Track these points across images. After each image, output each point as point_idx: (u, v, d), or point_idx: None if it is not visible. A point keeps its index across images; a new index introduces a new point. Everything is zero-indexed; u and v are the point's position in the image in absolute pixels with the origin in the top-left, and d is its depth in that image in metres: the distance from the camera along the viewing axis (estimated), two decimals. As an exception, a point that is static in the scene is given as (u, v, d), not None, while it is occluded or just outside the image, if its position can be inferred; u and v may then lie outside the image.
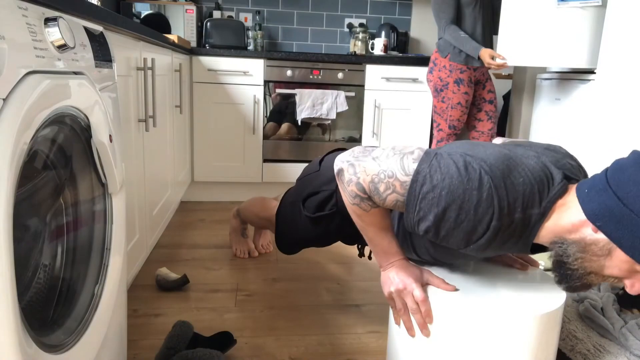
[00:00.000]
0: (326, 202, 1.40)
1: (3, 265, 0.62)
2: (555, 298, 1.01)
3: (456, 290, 1.01)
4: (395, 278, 1.04)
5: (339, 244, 2.25)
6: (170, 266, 1.91)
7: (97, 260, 1.01)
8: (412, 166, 0.94)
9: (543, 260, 1.95)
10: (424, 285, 1.03)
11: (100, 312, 0.97)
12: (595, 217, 0.83)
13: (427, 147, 2.97)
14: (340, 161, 1.04)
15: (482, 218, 0.88)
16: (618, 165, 0.84)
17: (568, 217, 0.87)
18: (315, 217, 1.42)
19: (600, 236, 0.83)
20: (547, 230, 0.90)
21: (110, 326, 1.02)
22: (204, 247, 2.14)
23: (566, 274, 0.90)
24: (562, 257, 0.88)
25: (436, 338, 0.99)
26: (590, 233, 0.85)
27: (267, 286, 1.77)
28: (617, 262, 0.84)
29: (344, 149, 1.52)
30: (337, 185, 1.37)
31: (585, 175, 1.01)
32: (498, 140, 1.25)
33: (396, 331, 1.09)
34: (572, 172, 0.95)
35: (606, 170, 0.86)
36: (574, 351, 1.27)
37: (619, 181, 0.81)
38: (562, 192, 0.90)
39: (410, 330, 1.03)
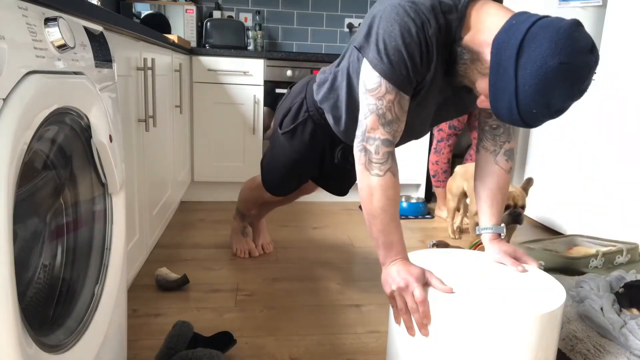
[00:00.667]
0: (299, 111, 1.53)
1: (3, 265, 0.62)
2: (555, 298, 1.01)
3: (452, 292, 1.01)
4: (397, 276, 1.04)
5: (338, 244, 2.25)
6: (170, 266, 1.91)
7: (97, 260, 1.01)
8: (371, 76, 1.08)
9: (543, 260, 1.96)
10: (425, 285, 1.03)
11: (100, 312, 0.97)
12: (496, 47, 0.97)
13: (427, 148, 2.98)
14: (357, 145, 1.12)
15: (424, 31, 1.04)
16: (544, 26, 0.92)
17: (483, 35, 1.03)
18: (290, 129, 1.54)
19: (488, 60, 1.00)
20: (465, 39, 1.06)
21: (110, 326, 1.02)
22: (204, 247, 2.14)
23: (453, 70, 1.10)
24: (457, 58, 1.08)
25: (436, 338, 0.99)
26: (486, 52, 1.01)
27: (267, 286, 1.77)
28: (483, 84, 1.05)
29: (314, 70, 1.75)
30: (305, 93, 1.52)
31: None
32: None
33: (396, 331, 1.09)
34: None
35: (537, 20, 0.94)
36: (574, 351, 1.27)
37: (529, 46, 0.92)
38: None
39: (410, 329, 1.03)
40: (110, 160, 1.00)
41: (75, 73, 0.89)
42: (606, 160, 2.15)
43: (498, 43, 0.97)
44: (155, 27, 2.87)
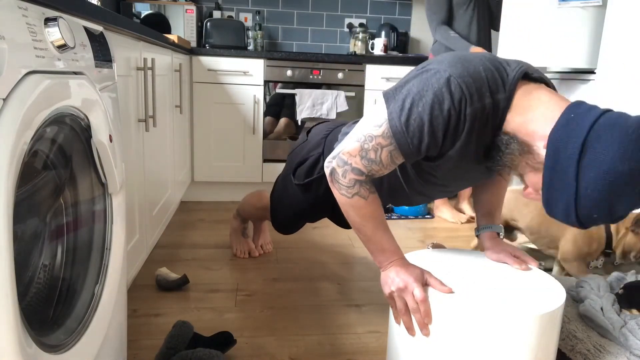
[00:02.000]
0: (314, 166, 1.45)
1: (3, 265, 0.62)
2: (555, 298, 1.01)
3: (452, 292, 1.01)
4: (396, 278, 1.04)
5: (338, 244, 2.25)
6: (170, 266, 1.91)
7: (97, 260, 1.01)
8: (381, 116, 1.00)
9: (543, 260, 1.95)
10: (424, 285, 1.03)
11: (100, 312, 0.97)
12: (554, 143, 0.88)
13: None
14: (328, 162, 1.08)
15: (459, 109, 0.94)
16: (610, 125, 0.84)
17: (535, 125, 0.93)
18: (304, 183, 1.47)
19: (543, 154, 0.91)
20: (511, 124, 0.96)
21: (110, 326, 1.02)
22: (204, 247, 2.14)
23: (493, 156, 1.01)
24: (501, 146, 0.98)
25: (436, 338, 0.99)
26: (539, 147, 0.92)
27: (267, 286, 1.77)
28: (534, 179, 0.96)
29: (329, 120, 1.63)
30: (323, 148, 1.44)
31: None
32: None
33: (396, 331, 1.09)
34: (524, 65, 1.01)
35: (599, 116, 0.86)
36: (574, 351, 1.27)
37: (594, 147, 0.84)
38: (520, 74, 0.97)
39: (410, 329, 1.03)
40: (110, 160, 1.00)
41: (75, 73, 0.89)
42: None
43: (556, 139, 0.87)
44: (155, 27, 2.87)
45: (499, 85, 0.96)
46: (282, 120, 2.87)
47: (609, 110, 0.89)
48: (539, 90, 0.97)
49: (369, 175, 1.05)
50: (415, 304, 1.00)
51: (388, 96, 1.01)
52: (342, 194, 1.07)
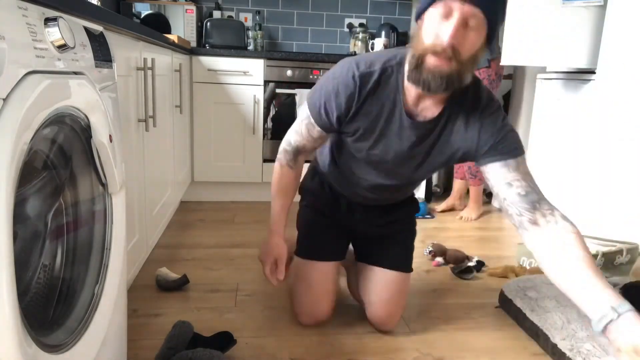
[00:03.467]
0: (313, 179, 1.58)
1: (3, 265, 0.62)
2: None
3: (278, 281, 1.37)
4: (262, 247, 1.41)
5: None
6: (170, 266, 1.91)
7: (97, 260, 1.01)
8: (304, 109, 1.26)
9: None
10: (274, 259, 1.37)
11: (100, 312, 0.97)
12: None
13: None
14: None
15: (353, 74, 1.14)
16: None
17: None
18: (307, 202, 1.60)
19: None
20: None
21: (110, 326, 1.02)
22: (204, 247, 2.14)
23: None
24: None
25: None
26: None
27: (267, 286, 1.77)
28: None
29: None
30: (317, 163, 1.57)
31: None
32: None
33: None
34: None
35: None
36: (574, 351, 1.28)
37: None
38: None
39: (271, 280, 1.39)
40: (110, 160, 1.00)
41: (75, 73, 0.89)
42: (606, 160, 2.15)
43: None
44: (155, 27, 2.87)
45: (392, 58, 1.16)
46: None
47: None
48: None
49: (295, 146, 1.31)
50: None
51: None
52: (277, 162, 1.37)
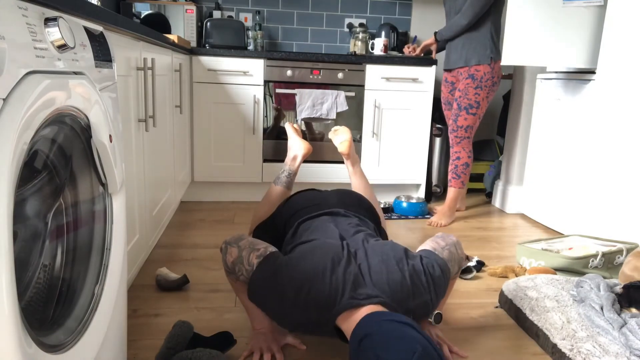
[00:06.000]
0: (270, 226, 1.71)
1: (3, 265, 0.62)
2: None
3: None
4: (252, 340, 1.34)
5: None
6: (170, 266, 1.91)
7: (97, 260, 1.01)
8: (254, 262, 1.26)
9: (543, 260, 1.95)
10: (266, 351, 1.30)
11: (100, 312, 0.97)
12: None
13: (427, 148, 2.97)
14: (223, 243, 1.36)
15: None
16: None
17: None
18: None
19: None
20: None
21: (110, 326, 1.02)
22: (204, 247, 2.14)
23: None
24: None
25: None
26: None
27: (267, 286, 1.76)
28: None
29: (313, 190, 1.78)
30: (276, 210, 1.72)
31: None
32: None
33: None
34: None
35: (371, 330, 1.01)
36: (574, 351, 1.27)
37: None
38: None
39: None
40: (110, 160, 1.00)
41: (75, 73, 0.89)
42: (606, 160, 2.15)
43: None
44: (155, 27, 2.88)
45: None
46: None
47: None
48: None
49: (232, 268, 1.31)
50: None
51: (267, 258, 1.28)
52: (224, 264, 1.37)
